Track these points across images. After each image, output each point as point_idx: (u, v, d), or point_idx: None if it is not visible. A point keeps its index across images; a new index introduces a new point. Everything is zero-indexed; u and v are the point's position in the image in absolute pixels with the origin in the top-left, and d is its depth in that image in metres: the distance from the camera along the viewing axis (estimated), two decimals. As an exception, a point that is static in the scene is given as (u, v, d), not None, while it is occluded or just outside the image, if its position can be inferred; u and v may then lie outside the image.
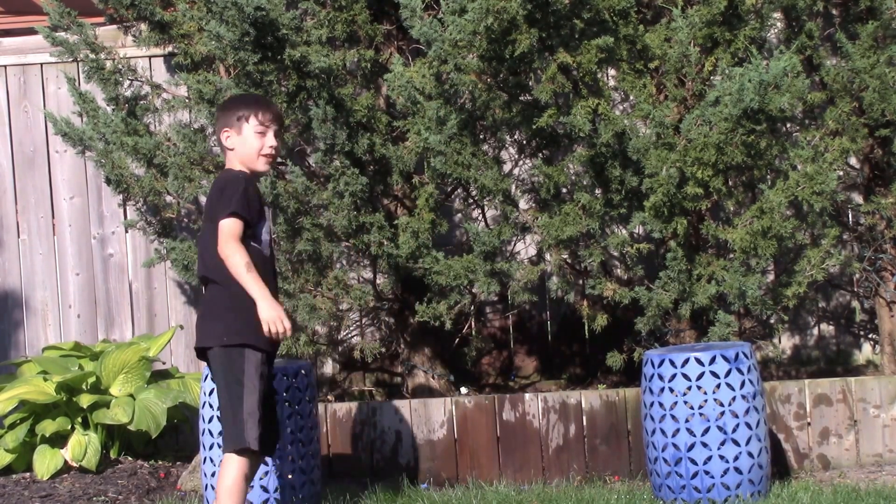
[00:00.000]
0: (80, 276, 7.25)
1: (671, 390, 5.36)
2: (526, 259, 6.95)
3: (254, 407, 4.66)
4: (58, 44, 6.81)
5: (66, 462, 6.27)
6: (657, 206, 5.87)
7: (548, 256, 6.54)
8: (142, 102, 6.91)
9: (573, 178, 6.22)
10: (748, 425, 5.34)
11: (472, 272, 6.10)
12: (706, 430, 5.33)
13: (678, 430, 5.35)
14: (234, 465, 4.66)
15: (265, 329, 4.63)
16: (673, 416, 5.36)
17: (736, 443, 5.33)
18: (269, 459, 5.39)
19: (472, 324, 6.96)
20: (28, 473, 6.34)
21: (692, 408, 5.33)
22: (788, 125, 6.55)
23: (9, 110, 7.28)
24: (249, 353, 4.69)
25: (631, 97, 6.45)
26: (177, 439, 6.84)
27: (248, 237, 4.72)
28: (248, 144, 4.80)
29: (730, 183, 6.05)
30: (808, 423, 5.99)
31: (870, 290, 6.63)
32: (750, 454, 5.35)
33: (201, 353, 4.81)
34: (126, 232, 7.22)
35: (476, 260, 6.09)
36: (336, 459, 6.23)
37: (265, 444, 4.73)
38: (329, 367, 7.18)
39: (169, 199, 6.88)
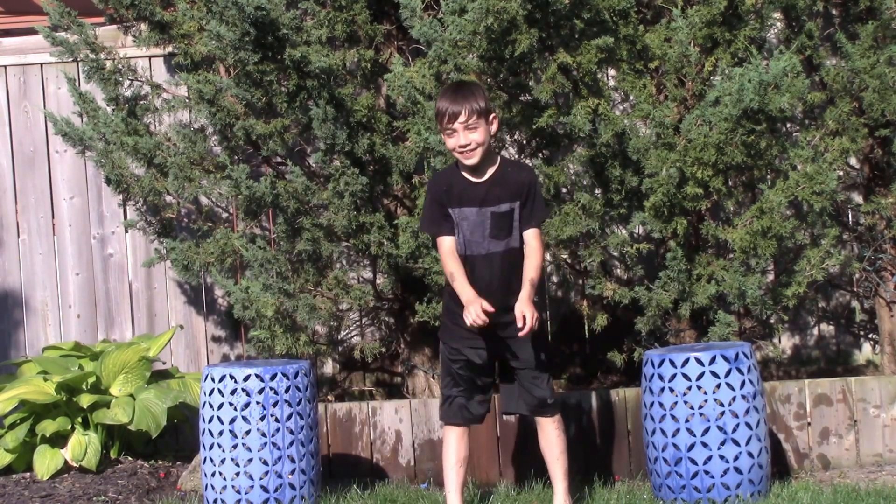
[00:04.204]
0: (80, 276, 7.25)
1: (671, 390, 5.36)
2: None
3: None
4: (58, 44, 6.80)
5: (66, 462, 6.27)
6: (657, 206, 5.87)
7: (548, 256, 6.53)
8: (142, 102, 6.91)
9: (573, 178, 6.21)
10: (748, 425, 5.34)
11: (473, 272, 6.09)
12: (706, 430, 5.33)
13: (678, 430, 5.35)
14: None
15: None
16: (673, 416, 5.36)
17: (736, 443, 5.32)
18: (268, 459, 5.45)
19: (473, 324, 6.94)
20: (28, 473, 6.34)
21: (692, 408, 5.33)
22: (788, 125, 6.55)
23: (9, 110, 7.28)
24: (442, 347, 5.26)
25: (631, 97, 6.45)
26: (177, 439, 6.85)
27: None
28: (447, 144, 5.16)
29: (730, 183, 6.05)
30: (808, 423, 5.99)
31: (870, 290, 6.63)
32: (750, 454, 5.35)
33: None
34: (126, 232, 7.22)
35: (476, 260, 6.08)
36: (336, 459, 6.23)
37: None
38: (329, 367, 7.18)
39: (169, 199, 6.88)
